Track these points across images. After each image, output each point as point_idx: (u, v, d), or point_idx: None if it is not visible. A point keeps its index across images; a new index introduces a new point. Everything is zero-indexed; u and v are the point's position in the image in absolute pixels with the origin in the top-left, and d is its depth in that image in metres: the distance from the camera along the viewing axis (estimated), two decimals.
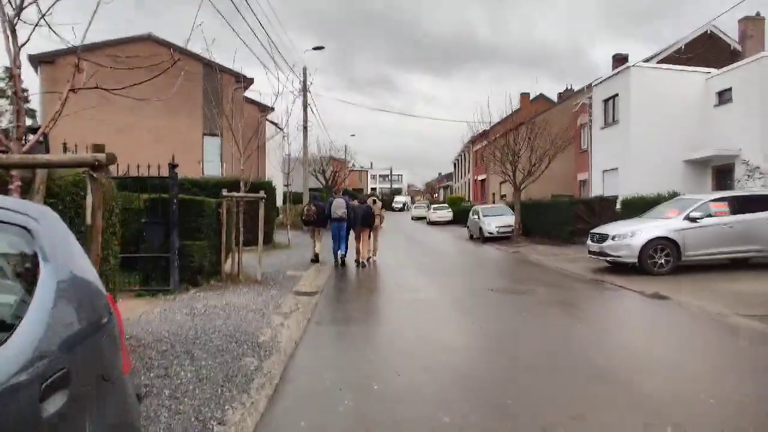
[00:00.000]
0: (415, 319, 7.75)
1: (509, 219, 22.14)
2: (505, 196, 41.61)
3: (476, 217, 23.10)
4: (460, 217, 40.05)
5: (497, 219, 22.13)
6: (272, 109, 34.34)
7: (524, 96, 46.90)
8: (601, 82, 25.71)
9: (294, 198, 35.30)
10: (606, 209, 18.37)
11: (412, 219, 50.71)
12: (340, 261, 14.13)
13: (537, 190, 36.73)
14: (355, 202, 14.63)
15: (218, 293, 8.94)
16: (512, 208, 23.61)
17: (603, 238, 11.79)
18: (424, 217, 49.69)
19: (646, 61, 25.25)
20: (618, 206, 18.97)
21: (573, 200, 19.05)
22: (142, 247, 8.82)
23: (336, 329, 7.20)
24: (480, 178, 49.64)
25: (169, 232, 8.75)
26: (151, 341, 5.75)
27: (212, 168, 29.66)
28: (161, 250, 8.78)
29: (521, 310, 8.16)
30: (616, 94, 24.13)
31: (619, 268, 11.63)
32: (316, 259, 14.27)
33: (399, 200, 79.77)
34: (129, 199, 8.93)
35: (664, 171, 22.58)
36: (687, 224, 10.94)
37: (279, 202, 36.34)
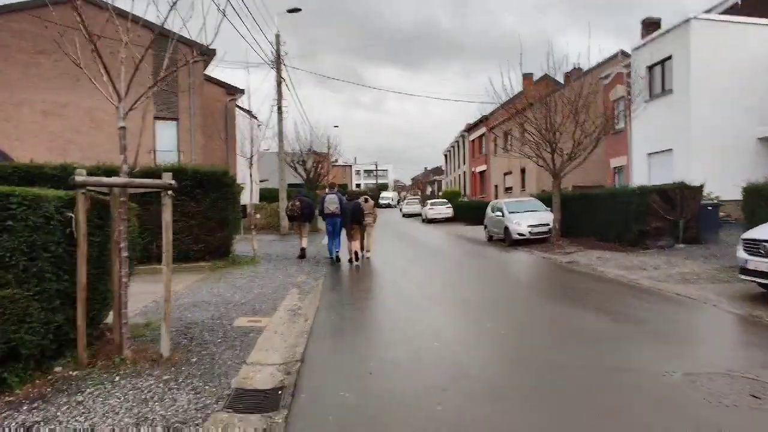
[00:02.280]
0: None
1: (545, 216, 17.20)
2: (510, 189, 36.77)
3: (499, 214, 18.10)
4: (460, 214, 35.21)
5: (529, 216, 17.17)
6: (242, 92, 28.95)
7: (527, 77, 41.96)
8: (644, 44, 20.87)
9: (269, 195, 29.89)
10: (689, 201, 13.50)
11: (403, 216, 45.69)
12: (335, 258, 13.63)
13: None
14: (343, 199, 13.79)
15: None
16: (541, 200, 18.67)
17: None
18: (417, 214, 44.68)
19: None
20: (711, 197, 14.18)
21: (643, 189, 14.11)
22: None
23: None
24: (479, 169, 44.77)
25: None
26: None
27: (168, 159, 24.29)
28: None
29: None
30: (668, 57, 19.30)
31: None
32: (302, 255, 13.95)
33: (386, 196, 74.76)
34: None
35: (734, 151, 17.87)
36: None
37: (250, 199, 31.00)
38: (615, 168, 23.61)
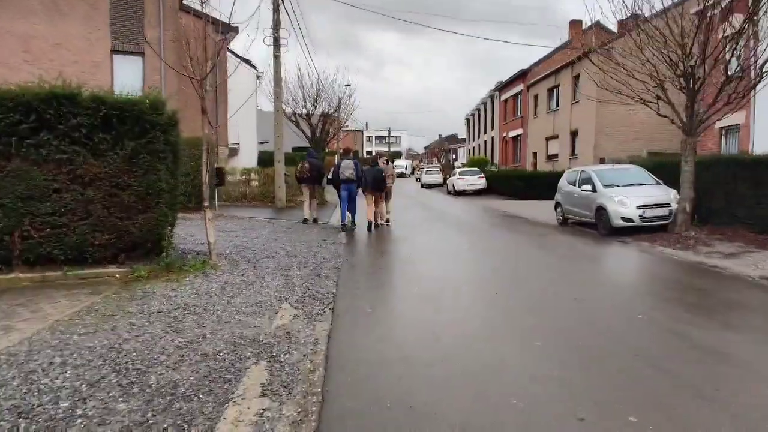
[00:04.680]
0: None
1: (662, 193, 11.59)
2: (555, 156, 30.89)
3: (587, 188, 12.44)
4: (493, 186, 29.48)
5: (638, 193, 11.54)
6: (235, 30, 23.00)
7: (575, 24, 35.62)
8: None
9: (269, 159, 24.24)
10: None
11: (422, 187, 40.12)
12: (349, 226, 12.48)
13: (586, 153, 26.52)
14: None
15: None
16: (643, 168, 12.96)
17: None
18: (439, 185, 39.05)
19: None
20: None
21: None
22: None
23: None
24: (512, 134, 38.76)
25: None
26: None
27: None
28: None
29: None
30: None
31: None
32: (304, 221, 13.30)
33: (400, 164, 68.93)
34: None
35: None
36: None
37: (241, 164, 25.58)
38: (723, 128, 17.71)
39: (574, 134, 28.48)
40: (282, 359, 3.94)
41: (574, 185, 13.32)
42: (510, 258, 9.33)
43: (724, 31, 9.71)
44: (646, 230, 11.17)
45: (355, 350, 4.35)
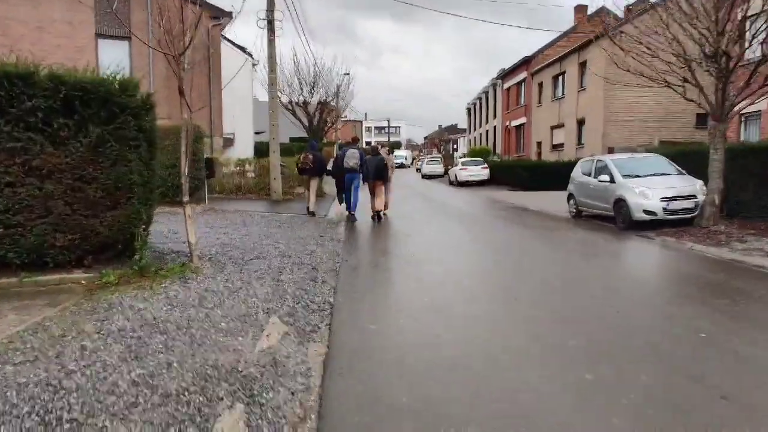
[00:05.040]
0: None
1: (686, 183, 10.73)
2: (561, 146, 29.97)
3: (605, 178, 11.55)
4: (497, 177, 28.59)
5: (661, 184, 10.68)
6: (229, 15, 22.02)
7: (580, 9, 34.63)
8: None
9: (266, 149, 23.31)
10: None
11: (422, 177, 39.23)
12: (351, 217, 12.49)
13: (591, 144, 25.63)
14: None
15: None
16: (666, 157, 12.08)
17: None
18: (440, 175, 38.21)
19: None
20: None
21: None
22: None
23: None
24: (515, 123, 37.79)
25: None
26: None
27: None
28: None
29: None
30: None
31: None
32: (309, 212, 12.95)
33: (400, 154, 67.92)
34: None
35: None
36: None
37: (235, 154, 24.62)
38: (743, 115, 16.80)
39: (580, 123, 27.55)
40: (264, 400, 3.09)
41: (590, 175, 12.44)
42: (525, 257, 8.47)
43: (764, 4, 8.77)
44: (669, 224, 10.33)
45: (357, 385, 3.50)
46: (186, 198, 6.35)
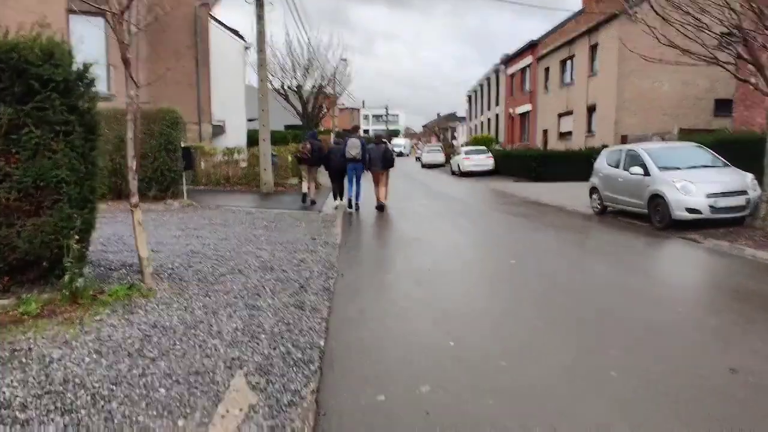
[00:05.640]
0: None
1: (737, 178, 9.33)
2: (569, 134, 28.50)
3: (637, 171, 10.10)
4: (502, 166, 27.16)
5: (706, 178, 9.27)
6: None
7: None
8: None
9: (255, 138, 21.83)
10: None
11: (423, 167, 37.80)
12: (354, 207, 12.33)
13: (604, 131, 24.26)
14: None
15: None
16: (704, 147, 10.64)
17: None
18: (440, 165, 36.77)
19: None
20: None
21: None
22: None
23: None
24: (519, 110, 36.26)
25: None
26: None
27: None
28: None
29: None
30: None
31: None
32: (304, 201, 13.05)
33: (398, 143, 66.68)
34: None
35: None
36: None
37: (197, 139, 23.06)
38: None
39: (590, 110, 26.06)
40: None
41: (617, 167, 11.03)
42: (550, 264, 7.08)
43: None
44: (712, 224, 8.95)
45: None
46: (134, 199, 4.91)
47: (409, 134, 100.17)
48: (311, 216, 11.11)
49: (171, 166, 10.46)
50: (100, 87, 17.80)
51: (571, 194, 15.99)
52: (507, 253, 8.00)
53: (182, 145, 11.07)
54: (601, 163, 11.85)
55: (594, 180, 12.01)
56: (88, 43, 17.28)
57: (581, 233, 10.00)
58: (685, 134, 19.23)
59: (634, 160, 10.45)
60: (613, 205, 11.25)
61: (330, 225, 9.98)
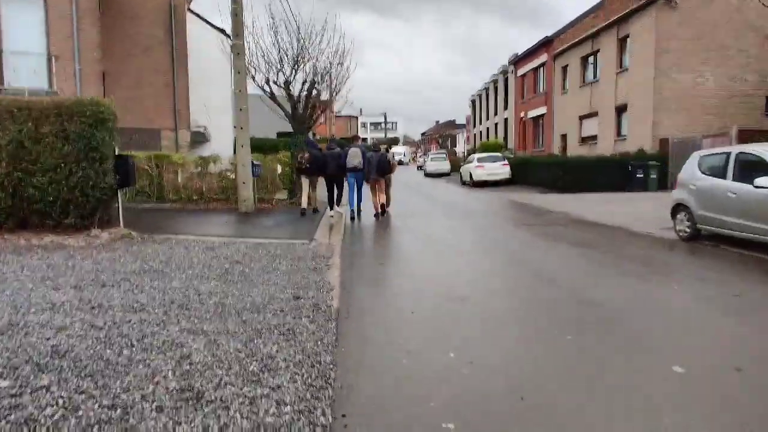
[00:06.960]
0: None
1: None
2: (594, 138, 25.47)
3: (763, 183, 7.00)
4: (519, 175, 24.11)
5: None
6: None
7: None
8: None
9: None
10: None
11: (426, 176, 34.87)
12: (356, 215, 12.38)
13: (637, 133, 21.46)
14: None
15: None
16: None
17: None
18: (445, 174, 33.79)
19: None
20: None
21: None
22: None
23: None
24: (532, 114, 33.28)
25: None
26: None
27: (28, 75, 13.31)
28: None
29: None
30: None
31: None
32: (304, 215, 12.13)
33: (398, 151, 63.71)
34: None
35: None
36: None
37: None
38: None
39: (620, 110, 23.05)
40: None
41: (723, 177, 7.93)
42: (634, 322, 3.95)
43: None
44: None
45: None
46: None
47: (408, 142, 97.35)
48: (297, 250, 7.92)
49: (97, 181, 7.28)
50: (38, 82, 14.23)
51: (622, 209, 12.95)
52: (623, 335, 4.85)
53: (116, 153, 7.85)
54: (692, 172, 8.73)
55: (681, 194, 8.88)
56: (26, 28, 13.96)
57: (674, 271, 6.85)
58: (746, 136, 16.26)
59: (755, 167, 7.35)
60: (717, 229, 8.13)
61: (324, 264, 6.84)
